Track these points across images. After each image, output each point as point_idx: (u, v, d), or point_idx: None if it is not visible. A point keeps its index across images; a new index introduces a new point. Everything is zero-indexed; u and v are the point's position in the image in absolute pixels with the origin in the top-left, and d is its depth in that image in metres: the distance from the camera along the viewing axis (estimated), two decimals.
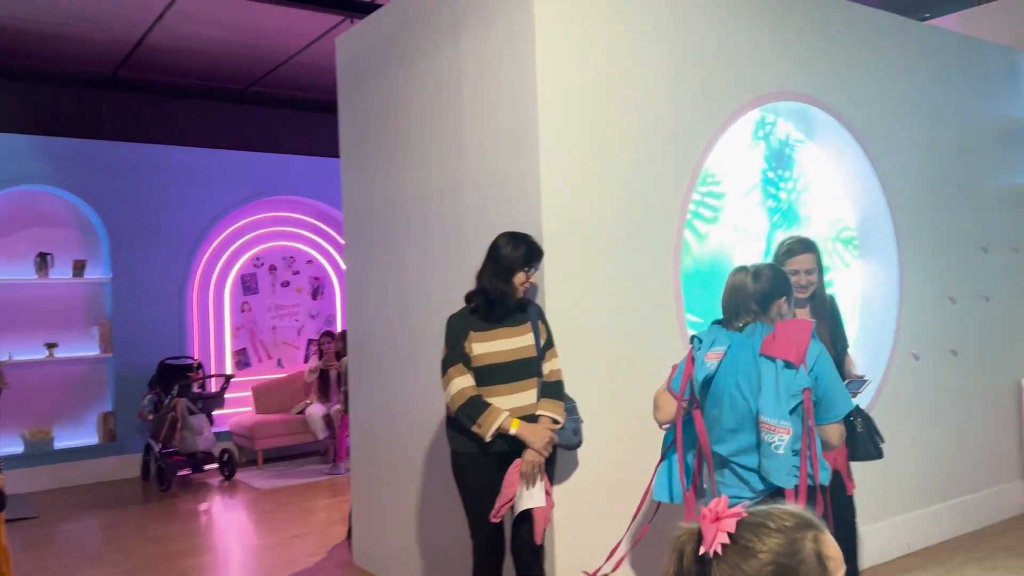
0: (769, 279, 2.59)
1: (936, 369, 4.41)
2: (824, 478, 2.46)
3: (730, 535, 1.11)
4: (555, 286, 3.05)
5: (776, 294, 2.61)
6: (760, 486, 2.47)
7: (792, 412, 2.42)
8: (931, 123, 4.50)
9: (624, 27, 3.28)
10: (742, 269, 2.65)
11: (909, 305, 4.26)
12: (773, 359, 2.46)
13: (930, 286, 4.39)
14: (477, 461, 2.79)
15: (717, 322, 2.71)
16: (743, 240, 3.89)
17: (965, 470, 4.56)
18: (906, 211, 4.28)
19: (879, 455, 3.10)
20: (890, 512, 4.15)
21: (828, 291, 3.33)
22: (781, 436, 2.37)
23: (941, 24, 5.42)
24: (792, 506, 1.16)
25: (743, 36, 3.68)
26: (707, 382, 2.62)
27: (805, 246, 3.11)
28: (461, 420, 2.76)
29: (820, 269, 3.14)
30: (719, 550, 1.10)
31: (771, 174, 4.04)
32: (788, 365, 2.42)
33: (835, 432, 2.52)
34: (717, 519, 1.13)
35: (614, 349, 3.19)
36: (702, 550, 1.11)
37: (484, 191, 3.32)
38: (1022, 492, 4.85)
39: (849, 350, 3.30)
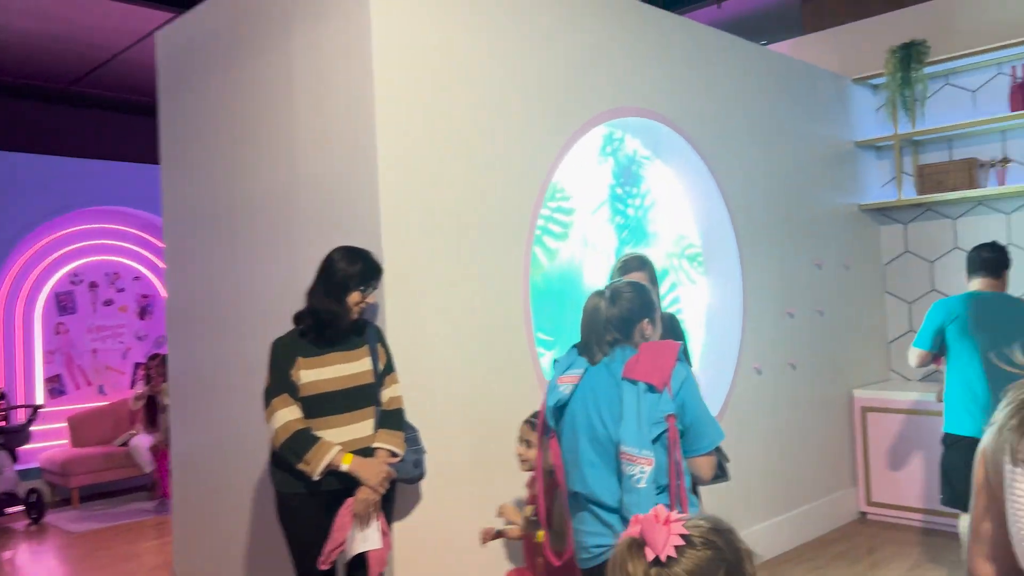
0: (629, 300, 2.35)
1: (777, 382, 4.52)
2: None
3: (682, 536, 1.13)
4: (396, 305, 2.82)
5: (638, 316, 2.37)
6: (621, 528, 2.22)
7: (656, 441, 2.21)
8: (769, 144, 4.63)
9: (467, 34, 3.12)
10: (598, 293, 2.41)
11: (751, 320, 4.34)
12: (635, 382, 2.24)
13: (771, 302, 4.50)
14: (305, 502, 2.50)
15: (577, 346, 2.48)
16: (592, 256, 3.81)
17: (804, 480, 4.70)
18: (747, 228, 4.37)
19: (726, 478, 3.06)
20: (737, 526, 4.17)
21: (673, 308, 3.30)
22: (643, 467, 2.14)
23: (776, 50, 5.65)
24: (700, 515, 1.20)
25: (591, 51, 3.61)
26: (561, 409, 2.42)
27: (640, 263, 3.05)
28: (286, 457, 2.46)
29: (656, 286, 3.08)
30: (672, 553, 1.11)
31: (619, 190, 4.00)
32: (651, 389, 2.21)
33: (706, 465, 2.31)
34: (668, 522, 1.14)
35: (460, 372, 2.99)
36: (651, 555, 1.11)
37: (318, 200, 3.05)
38: (854, 499, 5.07)
39: (692, 368, 3.26)
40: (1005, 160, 4.89)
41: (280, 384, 2.50)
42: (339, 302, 2.53)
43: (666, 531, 1.13)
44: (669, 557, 1.11)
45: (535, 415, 2.71)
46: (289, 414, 2.46)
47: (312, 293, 2.58)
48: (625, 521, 2.21)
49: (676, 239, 4.30)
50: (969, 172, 4.92)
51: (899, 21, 5.33)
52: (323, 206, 3.02)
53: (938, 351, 3.75)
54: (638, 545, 1.13)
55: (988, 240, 3.86)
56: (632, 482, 2.16)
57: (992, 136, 5.01)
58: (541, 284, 3.56)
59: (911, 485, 4.83)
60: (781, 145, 4.72)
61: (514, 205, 3.23)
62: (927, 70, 5.01)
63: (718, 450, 2.98)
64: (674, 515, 1.15)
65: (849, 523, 4.97)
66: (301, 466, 2.42)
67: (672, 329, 3.14)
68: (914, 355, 3.82)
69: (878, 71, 5.19)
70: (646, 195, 4.16)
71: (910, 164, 5.31)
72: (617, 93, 3.72)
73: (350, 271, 2.54)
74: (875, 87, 5.43)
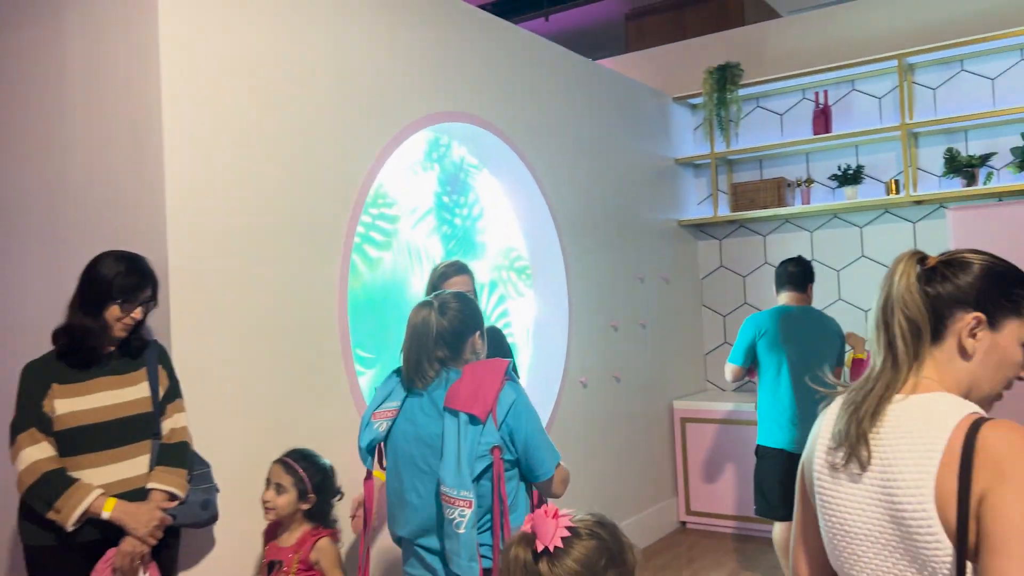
0: (459, 312, 2.17)
1: (602, 395, 4.51)
2: None
3: (568, 528, 1.23)
4: (184, 322, 2.45)
5: (469, 329, 2.20)
6: (444, 574, 2.08)
7: (483, 477, 2.04)
8: (595, 157, 4.63)
9: (275, 27, 2.81)
10: (425, 304, 2.20)
11: (577, 334, 4.29)
12: (456, 413, 2.05)
13: (596, 315, 4.48)
14: (56, 557, 2.09)
15: (397, 372, 2.26)
16: (417, 267, 3.60)
17: (628, 492, 4.71)
18: (573, 241, 4.32)
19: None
20: None
21: (502, 321, 3.15)
22: (462, 510, 1.97)
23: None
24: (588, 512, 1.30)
25: (416, 52, 3.40)
26: (374, 449, 2.22)
27: (458, 268, 2.88)
28: (33, 504, 2.04)
29: (476, 295, 2.93)
30: (559, 544, 1.21)
31: (446, 199, 3.81)
32: (473, 420, 2.03)
33: (557, 483, 2.18)
34: (556, 516, 1.24)
35: (263, 397, 2.66)
36: (541, 546, 1.21)
37: (92, 203, 2.62)
38: (675, 509, 5.16)
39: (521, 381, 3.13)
40: (809, 180, 5.19)
41: (28, 416, 2.08)
42: (95, 317, 2.14)
43: (554, 524, 1.23)
44: (557, 548, 1.21)
45: (291, 453, 2.46)
46: (37, 452, 2.04)
47: (70, 306, 2.17)
48: (447, 566, 2.05)
49: (504, 251, 4.17)
50: (777, 191, 5.18)
51: (716, 44, 5.55)
52: (98, 210, 2.60)
53: (751, 365, 3.86)
54: (528, 539, 1.23)
55: (794, 255, 4.03)
56: (452, 527, 1.99)
57: (798, 157, 5.31)
58: (361, 296, 3.29)
59: (727, 494, 4.99)
60: (606, 159, 4.73)
61: (329, 211, 2.95)
62: (741, 92, 5.23)
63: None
64: (562, 510, 1.26)
65: (671, 533, 5.06)
66: (51, 515, 2.02)
67: (498, 343, 2.99)
68: (729, 371, 3.92)
69: (696, 91, 5.36)
70: (474, 205, 4.00)
71: (725, 182, 5.53)
72: (443, 97, 3.53)
73: (109, 280, 2.14)
74: (693, 107, 5.62)
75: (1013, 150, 4.48)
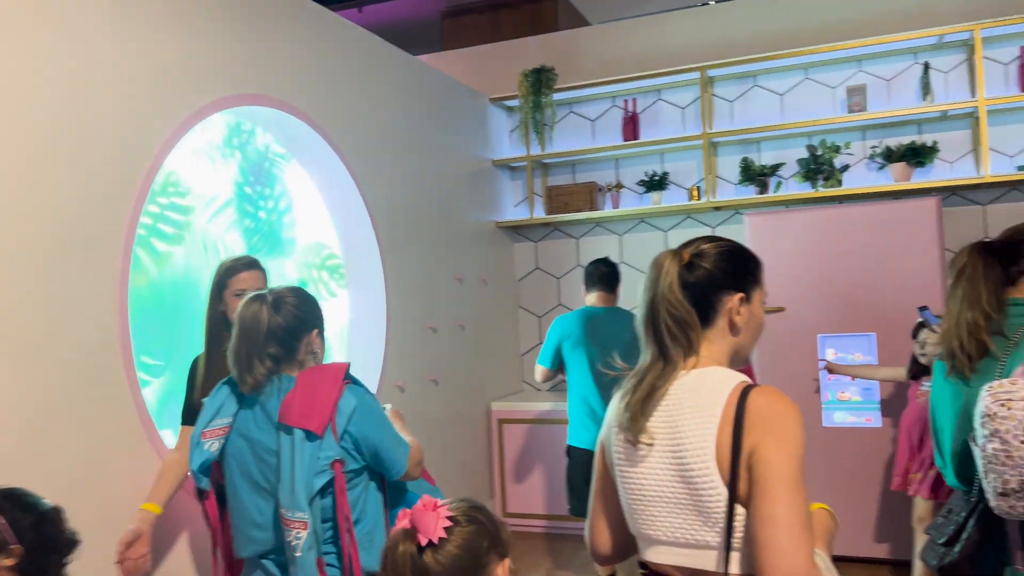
0: (295, 307, 2.02)
1: (420, 399, 4.35)
2: (371, 563, 1.95)
3: (448, 517, 1.27)
4: None
5: (306, 326, 2.04)
6: None
7: (325, 492, 1.92)
8: (414, 154, 4.48)
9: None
10: (257, 298, 2.02)
11: (395, 336, 4.11)
12: (290, 430, 1.90)
13: (414, 316, 4.33)
14: None
15: (228, 381, 2.07)
16: (215, 262, 3.26)
17: (447, 495, 4.57)
18: (392, 240, 4.14)
19: None
20: None
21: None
22: (298, 532, 1.86)
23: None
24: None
25: (212, 32, 3.08)
26: (208, 470, 2.03)
27: (248, 263, 2.63)
28: None
29: None
30: (443, 534, 1.25)
31: (249, 190, 3.50)
32: (309, 436, 1.89)
33: (412, 471, 2.13)
34: (435, 508, 1.27)
35: (28, 416, 2.25)
36: (424, 540, 1.25)
37: None
38: (492, 511, 5.10)
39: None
40: (619, 185, 5.34)
41: None
42: None
43: (435, 516, 1.26)
44: (440, 538, 1.24)
45: None
46: None
47: None
48: None
49: (315, 248, 3.91)
50: (589, 195, 5.29)
51: (532, 47, 5.59)
52: None
53: (559, 367, 3.86)
54: (410, 534, 1.26)
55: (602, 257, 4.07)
56: (291, 550, 1.90)
57: (608, 163, 5.45)
58: (149, 295, 2.92)
59: (542, 493, 5.00)
60: (425, 157, 4.60)
61: (107, 201, 2.57)
62: (555, 97, 5.29)
63: None
64: (439, 500, 1.30)
65: None
66: None
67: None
68: (538, 372, 3.92)
69: (512, 93, 5.36)
70: (280, 197, 3.71)
71: (540, 185, 5.58)
72: (243, 79, 3.23)
73: None
74: (509, 109, 5.62)
75: (799, 161, 4.85)
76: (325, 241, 3.97)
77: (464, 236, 5.01)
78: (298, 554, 1.87)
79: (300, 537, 1.87)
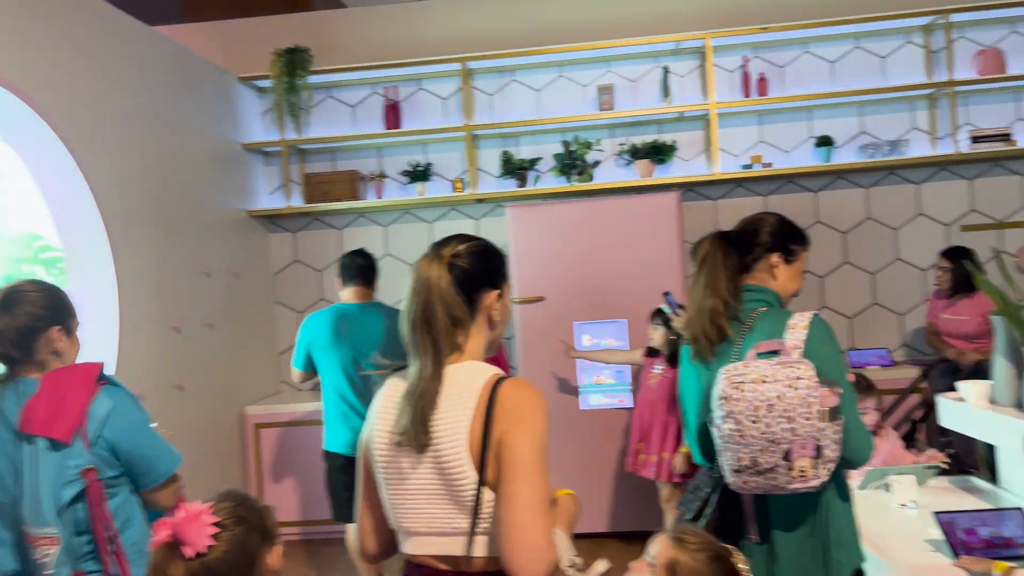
0: (33, 304, 1.87)
1: (162, 409, 3.91)
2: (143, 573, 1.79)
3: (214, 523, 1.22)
4: None
5: (45, 323, 1.86)
6: None
7: (77, 502, 1.80)
8: (151, 136, 4.01)
9: None
10: None
11: (129, 339, 3.66)
12: (32, 439, 1.79)
13: (153, 315, 3.89)
14: None
15: None
16: None
17: None
18: (123, 231, 3.68)
19: None
20: None
21: None
22: (46, 550, 1.78)
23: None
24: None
25: None
26: None
27: None
28: None
29: None
30: (212, 542, 1.22)
31: None
32: (55, 444, 1.78)
33: (169, 495, 1.99)
34: (199, 516, 1.21)
35: None
36: (191, 552, 1.20)
37: None
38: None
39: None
40: (382, 175, 5.20)
41: None
42: None
43: (199, 525, 1.19)
44: (209, 546, 1.19)
45: None
46: None
47: None
48: None
49: (26, 238, 3.37)
50: (352, 184, 5.09)
51: (285, 26, 5.27)
52: None
53: (313, 368, 3.63)
54: (173, 547, 1.19)
55: (359, 248, 3.85)
56: (40, 570, 1.81)
57: (370, 152, 5.29)
58: None
59: (300, 498, 4.76)
60: (164, 139, 4.14)
61: None
62: (312, 80, 5.03)
63: None
64: (202, 506, 1.21)
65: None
66: None
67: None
68: (293, 374, 3.72)
69: (264, 73, 5.02)
70: None
71: (297, 172, 5.29)
72: None
73: None
74: (261, 89, 5.26)
75: (555, 156, 5.01)
76: (39, 231, 3.43)
77: (212, 226, 4.60)
78: (49, 572, 1.79)
79: (49, 554, 1.79)
